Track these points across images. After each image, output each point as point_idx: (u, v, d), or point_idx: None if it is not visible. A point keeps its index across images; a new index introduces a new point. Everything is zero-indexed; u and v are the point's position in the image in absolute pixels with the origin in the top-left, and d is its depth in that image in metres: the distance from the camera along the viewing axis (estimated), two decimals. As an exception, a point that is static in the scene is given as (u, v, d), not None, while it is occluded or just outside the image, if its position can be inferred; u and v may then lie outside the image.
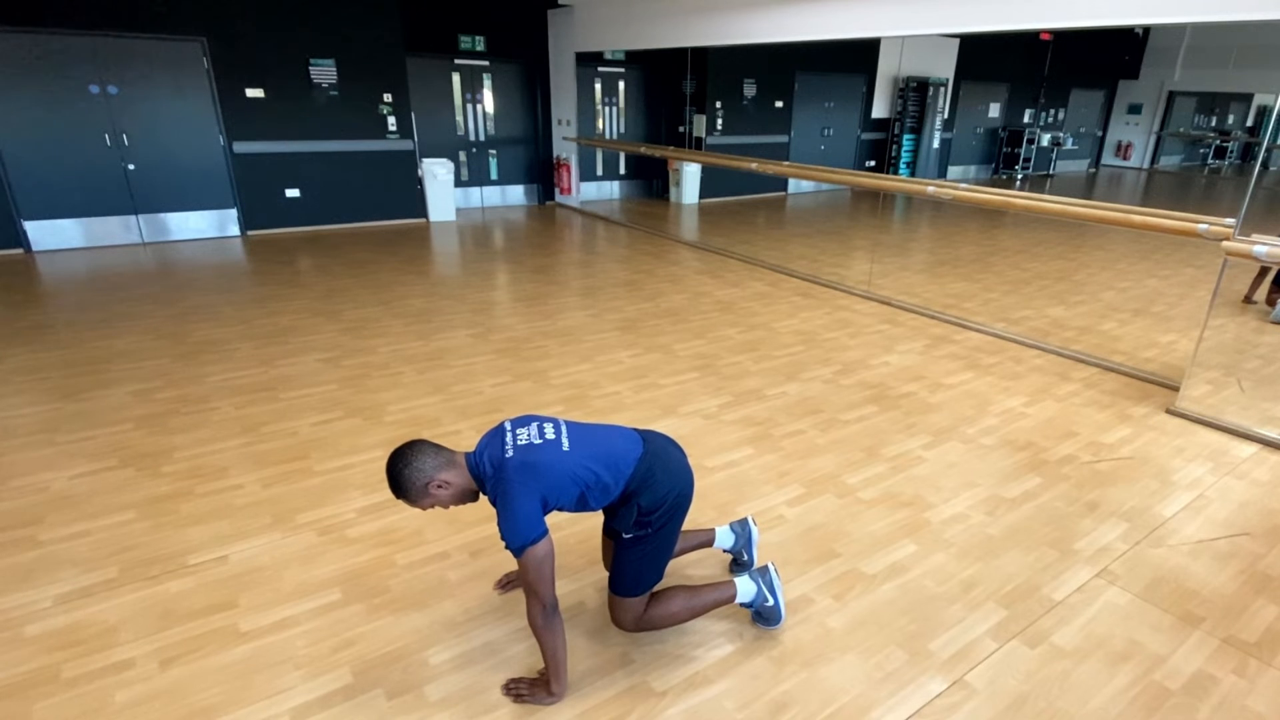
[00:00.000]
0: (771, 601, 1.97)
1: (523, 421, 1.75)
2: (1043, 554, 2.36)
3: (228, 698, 1.75)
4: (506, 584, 2.15)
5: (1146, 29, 13.84)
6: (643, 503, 1.74)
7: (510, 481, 1.60)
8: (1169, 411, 3.46)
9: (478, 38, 8.36)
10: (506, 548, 1.59)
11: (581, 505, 1.72)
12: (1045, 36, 12.66)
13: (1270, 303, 4.99)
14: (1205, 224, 3.23)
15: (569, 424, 1.77)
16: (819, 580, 2.23)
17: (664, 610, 1.89)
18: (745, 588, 1.98)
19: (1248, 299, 5.18)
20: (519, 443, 1.67)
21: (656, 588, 1.89)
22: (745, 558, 2.23)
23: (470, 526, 2.46)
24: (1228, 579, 2.26)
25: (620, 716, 1.73)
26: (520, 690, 1.76)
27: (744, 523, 2.26)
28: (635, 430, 1.85)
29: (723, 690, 1.81)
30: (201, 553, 2.30)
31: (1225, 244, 3.13)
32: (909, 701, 1.78)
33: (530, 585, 1.62)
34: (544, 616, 1.65)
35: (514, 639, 1.96)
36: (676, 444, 1.89)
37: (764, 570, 2.02)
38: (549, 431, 1.71)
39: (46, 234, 6.34)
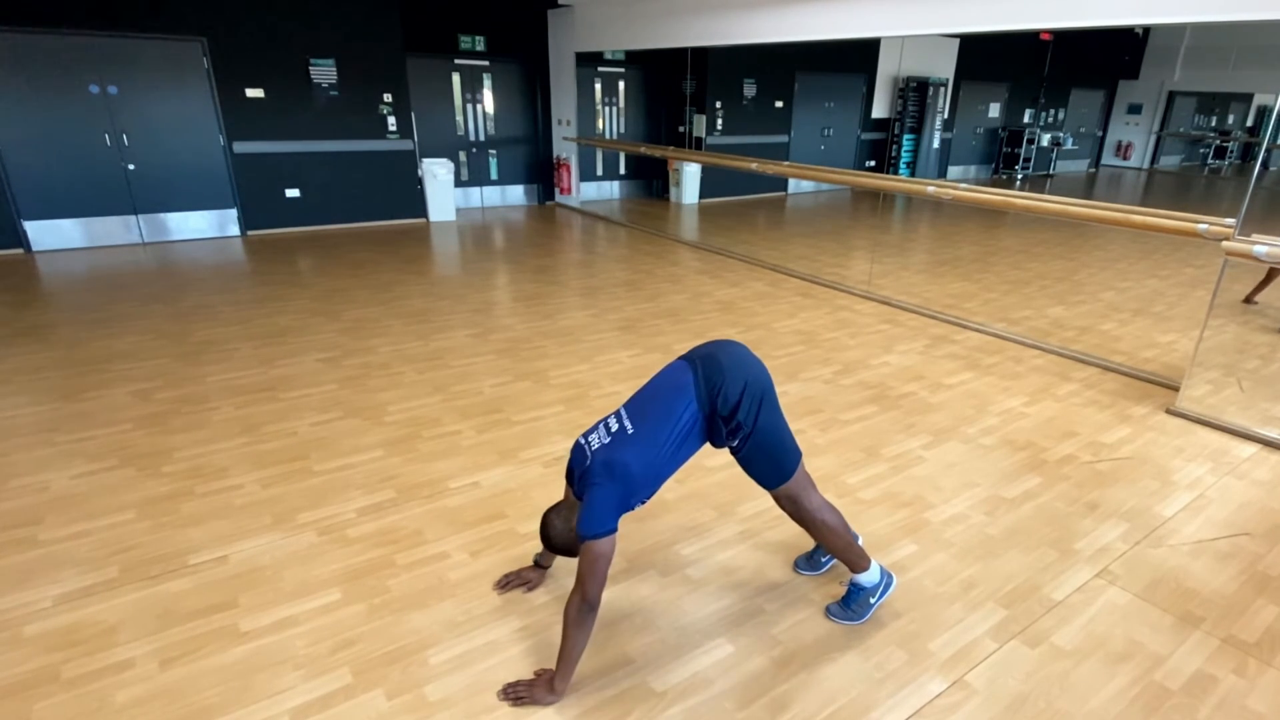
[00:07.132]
0: (874, 601, 2.04)
1: (591, 430, 1.83)
2: (1043, 554, 2.36)
3: (227, 698, 1.75)
4: (506, 584, 2.15)
5: (1146, 29, 13.84)
6: (723, 413, 1.77)
7: (595, 475, 1.69)
8: (1169, 411, 3.46)
9: (478, 38, 8.36)
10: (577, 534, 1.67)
11: (683, 456, 1.79)
12: (1045, 36, 12.65)
13: None
14: (1205, 224, 3.23)
15: (627, 405, 1.84)
16: (818, 580, 2.23)
17: (830, 520, 1.95)
18: (873, 573, 2.03)
19: (1248, 299, 5.17)
20: (593, 449, 1.75)
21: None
22: (821, 559, 2.26)
23: (470, 527, 2.47)
24: (1228, 579, 2.26)
25: (620, 716, 1.73)
26: (519, 692, 1.76)
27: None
28: (681, 358, 1.90)
29: (723, 690, 1.81)
30: (201, 553, 2.30)
31: (1225, 244, 3.13)
32: (909, 701, 1.78)
33: (580, 576, 1.66)
34: (579, 611, 1.67)
35: (514, 639, 1.96)
36: (728, 342, 1.91)
37: (890, 574, 2.09)
38: (612, 424, 1.79)
39: (46, 234, 6.35)
